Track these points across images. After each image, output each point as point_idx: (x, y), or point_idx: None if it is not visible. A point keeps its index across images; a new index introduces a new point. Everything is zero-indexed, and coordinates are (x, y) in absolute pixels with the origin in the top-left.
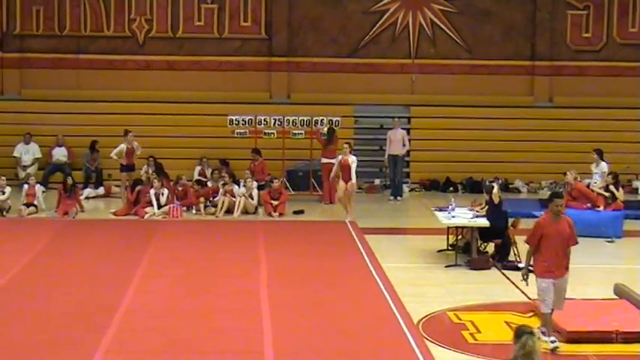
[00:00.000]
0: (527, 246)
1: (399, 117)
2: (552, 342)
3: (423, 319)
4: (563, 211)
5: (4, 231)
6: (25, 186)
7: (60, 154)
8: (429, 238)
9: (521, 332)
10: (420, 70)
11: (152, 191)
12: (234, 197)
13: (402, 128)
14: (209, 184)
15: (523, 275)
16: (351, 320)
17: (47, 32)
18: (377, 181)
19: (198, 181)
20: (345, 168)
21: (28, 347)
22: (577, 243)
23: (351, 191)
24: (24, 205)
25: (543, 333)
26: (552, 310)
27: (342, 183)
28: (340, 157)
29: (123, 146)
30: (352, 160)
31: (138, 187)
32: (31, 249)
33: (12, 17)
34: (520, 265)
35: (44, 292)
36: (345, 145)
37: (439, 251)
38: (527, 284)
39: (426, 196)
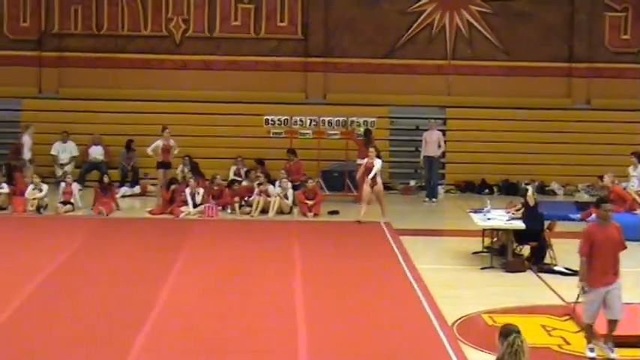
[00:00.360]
0: (580, 257)
1: (435, 118)
2: (609, 350)
3: (458, 321)
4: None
5: (41, 228)
6: (62, 184)
7: (97, 152)
8: (464, 239)
9: (508, 331)
10: (456, 72)
11: (188, 190)
12: (270, 197)
13: (438, 129)
14: (244, 183)
15: (582, 289)
16: (385, 321)
17: (85, 31)
18: (412, 183)
19: (233, 181)
20: (370, 170)
21: (64, 344)
22: (625, 248)
23: (379, 192)
24: (61, 202)
25: (591, 349)
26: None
27: (366, 187)
28: (365, 160)
29: (159, 142)
30: (377, 163)
31: (173, 186)
32: (68, 246)
33: (51, 17)
34: (556, 269)
35: (80, 289)
36: (371, 149)
37: (474, 253)
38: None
39: (461, 197)
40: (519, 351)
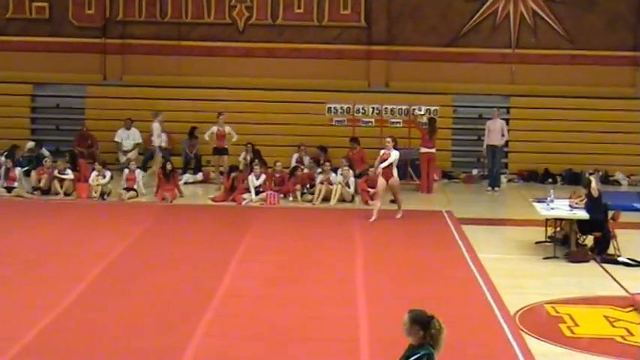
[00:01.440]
0: None
1: (499, 107)
2: None
3: (520, 311)
4: None
5: (104, 214)
6: (126, 170)
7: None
8: (526, 229)
9: (425, 317)
10: (520, 60)
11: (251, 177)
12: (332, 185)
13: (501, 118)
14: (306, 171)
15: None
16: (446, 310)
17: (149, 19)
18: (474, 172)
19: (295, 168)
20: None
21: (127, 330)
22: None
23: (394, 185)
24: (124, 189)
25: None
26: None
27: (381, 180)
28: (382, 151)
29: (214, 128)
30: (394, 155)
31: (233, 174)
32: (131, 233)
33: (115, 4)
34: (620, 260)
35: (143, 275)
36: (388, 139)
37: (537, 243)
38: None
39: (523, 187)
40: (441, 332)
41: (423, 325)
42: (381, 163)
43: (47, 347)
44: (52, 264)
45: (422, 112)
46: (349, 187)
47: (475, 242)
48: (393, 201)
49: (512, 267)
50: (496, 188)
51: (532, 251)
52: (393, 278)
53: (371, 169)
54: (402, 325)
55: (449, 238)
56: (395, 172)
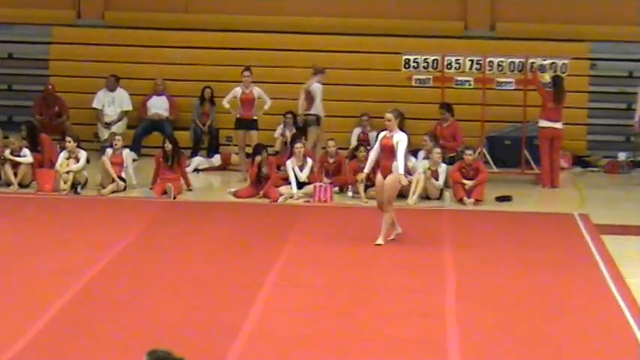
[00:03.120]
0: None
1: None
2: None
3: None
4: None
5: (77, 215)
6: (109, 151)
7: (159, 106)
8: None
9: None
10: None
11: (289, 163)
12: (410, 175)
13: None
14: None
15: None
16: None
17: None
18: (621, 156)
19: (356, 149)
20: (387, 151)
21: None
22: None
23: (391, 188)
24: (106, 178)
25: None
26: None
27: (379, 177)
28: (382, 134)
29: (238, 90)
30: (399, 139)
31: (259, 157)
32: (114, 243)
33: None
34: None
35: (130, 307)
36: (389, 115)
37: None
38: None
39: None
40: None
41: None
42: (384, 152)
43: None
44: None
45: (545, 66)
46: (436, 177)
47: (622, 261)
48: (500, 198)
49: None
50: None
51: None
52: (499, 312)
53: (469, 151)
54: None
55: (583, 253)
56: (400, 164)
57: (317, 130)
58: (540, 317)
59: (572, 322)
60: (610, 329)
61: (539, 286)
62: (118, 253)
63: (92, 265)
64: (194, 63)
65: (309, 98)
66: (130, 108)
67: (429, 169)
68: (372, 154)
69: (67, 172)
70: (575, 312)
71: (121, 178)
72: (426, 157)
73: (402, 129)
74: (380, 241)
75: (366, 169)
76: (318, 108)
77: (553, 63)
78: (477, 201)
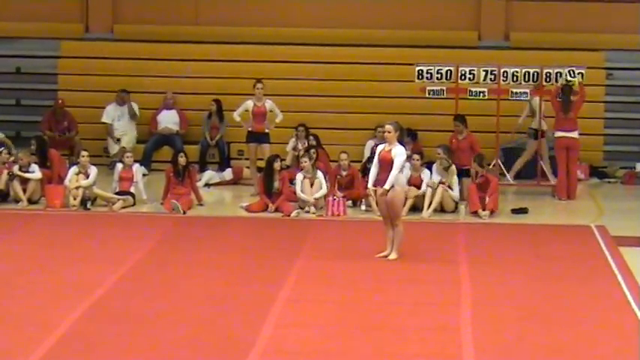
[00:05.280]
0: None
1: None
2: None
3: None
4: None
5: (87, 231)
6: (119, 166)
7: (169, 120)
8: None
9: None
10: None
11: (299, 176)
12: (423, 188)
13: None
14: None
15: None
16: None
17: None
18: (639, 167)
19: (369, 161)
20: (385, 165)
21: None
22: None
23: (395, 202)
24: (116, 193)
25: None
26: None
27: (379, 191)
28: (380, 147)
29: (249, 103)
30: (397, 152)
31: (277, 164)
32: (125, 260)
33: None
34: None
35: (141, 325)
36: (389, 127)
37: None
38: None
39: None
40: None
41: None
42: (380, 164)
43: None
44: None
45: (572, 78)
46: (452, 189)
47: None
48: (516, 211)
49: None
50: None
51: None
52: (516, 327)
53: (483, 163)
54: None
55: (601, 266)
56: (400, 177)
57: (535, 143)
58: (557, 330)
59: (589, 335)
60: (628, 341)
61: (556, 298)
62: (129, 269)
63: (103, 281)
64: (204, 76)
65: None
66: (138, 113)
67: (440, 182)
68: (373, 169)
69: (77, 188)
70: (593, 325)
71: (130, 194)
72: (440, 171)
73: (401, 142)
74: (393, 255)
75: (370, 184)
76: (537, 122)
77: (570, 71)
78: (492, 212)
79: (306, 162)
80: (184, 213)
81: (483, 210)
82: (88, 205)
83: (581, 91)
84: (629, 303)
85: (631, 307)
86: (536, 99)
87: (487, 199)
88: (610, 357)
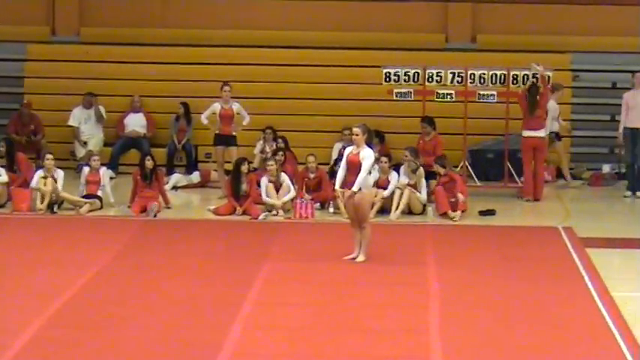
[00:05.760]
0: None
1: None
2: None
3: None
4: None
5: (54, 235)
6: (86, 169)
7: (136, 123)
8: None
9: None
10: None
11: (264, 180)
12: (389, 189)
13: None
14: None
15: None
16: None
17: None
18: (606, 168)
19: (337, 163)
20: (353, 167)
21: None
22: None
23: (361, 205)
24: (83, 197)
25: None
26: None
27: (346, 194)
28: (347, 150)
29: (217, 106)
30: (365, 155)
31: (244, 167)
32: (91, 264)
33: None
34: None
35: (105, 329)
36: (356, 130)
37: None
38: None
39: None
40: None
41: None
42: (349, 167)
43: None
44: None
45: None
46: (419, 191)
47: (607, 274)
48: (484, 212)
49: None
50: (638, 193)
51: None
52: (484, 327)
53: (444, 164)
54: None
55: (568, 267)
56: (367, 179)
57: (560, 144)
58: (525, 331)
59: (557, 336)
60: (595, 342)
61: (523, 300)
62: (97, 272)
63: (70, 285)
64: (171, 79)
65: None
66: (105, 116)
67: (408, 184)
68: (340, 171)
69: (44, 191)
70: (561, 326)
71: (98, 197)
72: (407, 173)
73: (368, 144)
74: (361, 257)
75: (337, 186)
76: (553, 125)
77: (535, 75)
78: (463, 212)
79: (271, 165)
80: (154, 216)
81: (453, 211)
82: (55, 209)
83: (544, 84)
84: (596, 304)
85: (598, 309)
86: (553, 102)
87: (457, 198)
88: (577, 358)
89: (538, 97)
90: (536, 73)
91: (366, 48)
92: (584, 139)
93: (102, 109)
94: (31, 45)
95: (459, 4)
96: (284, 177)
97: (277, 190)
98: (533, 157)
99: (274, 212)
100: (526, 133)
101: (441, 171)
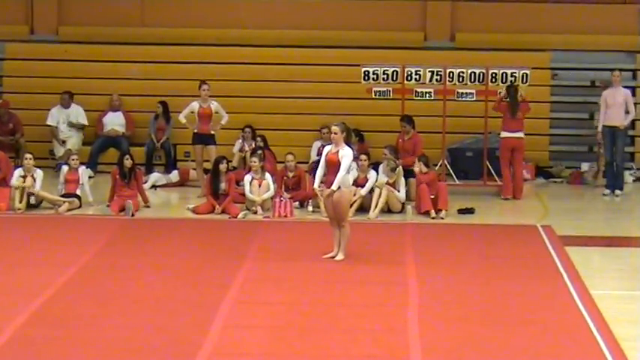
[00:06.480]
0: None
1: (621, 69)
2: None
3: None
4: None
5: (33, 234)
6: (64, 168)
7: (115, 122)
8: None
9: None
10: None
11: (248, 177)
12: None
13: (625, 87)
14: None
15: None
16: None
17: None
18: (584, 167)
19: (316, 163)
20: (332, 166)
21: None
22: None
23: (340, 203)
24: (62, 195)
25: None
26: None
27: (326, 192)
28: (326, 148)
29: (195, 105)
30: (344, 154)
31: (223, 166)
32: (72, 261)
33: None
34: None
35: (83, 330)
36: (335, 128)
37: None
38: None
39: None
40: None
41: None
42: (328, 167)
43: None
44: None
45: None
46: (398, 190)
47: (586, 272)
48: (463, 211)
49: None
50: (617, 191)
51: None
52: (463, 327)
53: (422, 162)
54: None
55: (546, 265)
56: (346, 179)
57: None
58: (504, 330)
59: (536, 335)
60: (574, 341)
61: (503, 298)
62: (75, 272)
63: (48, 285)
64: (150, 78)
65: None
66: (86, 124)
67: (387, 183)
68: (319, 170)
69: (23, 190)
70: (540, 324)
71: (76, 196)
72: (386, 172)
73: (347, 143)
74: (340, 256)
75: (315, 185)
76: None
77: (514, 73)
78: (440, 210)
79: (255, 162)
80: (132, 215)
81: (434, 210)
82: (33, 201)
83: (525, 100)
84: (575, 302)
85: (577, 307)
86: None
87: (437, 197)
88: (556, 356)
89: (519, 97)
90: (515, 72)
91: (345, 46)
92: (563, 137)
93: (81, 111)
94: (10, 44)
95: (437, 2)
96: (267, 175)
97: (260, 187)
98: (511, 158)
99: (254, 209)
100: (504, 134)
101: (424, 169)
